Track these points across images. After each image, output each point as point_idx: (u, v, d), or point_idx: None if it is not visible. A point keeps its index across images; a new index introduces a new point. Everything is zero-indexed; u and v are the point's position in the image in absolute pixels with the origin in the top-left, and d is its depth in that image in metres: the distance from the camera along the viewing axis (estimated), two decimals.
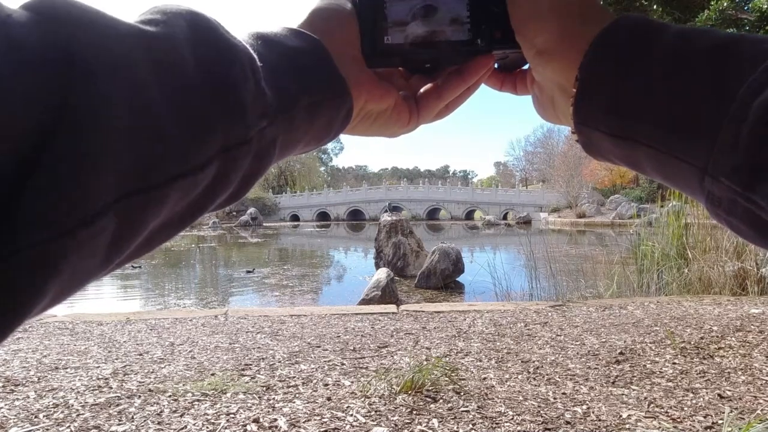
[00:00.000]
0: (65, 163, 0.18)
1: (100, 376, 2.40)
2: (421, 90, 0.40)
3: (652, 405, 1.99)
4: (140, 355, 2.78)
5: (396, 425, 1.81)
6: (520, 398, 2.06)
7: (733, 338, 2.85)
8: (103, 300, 7.06)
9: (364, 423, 1.83)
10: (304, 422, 1.84)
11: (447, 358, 2.59)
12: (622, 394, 2.10)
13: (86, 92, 0.18)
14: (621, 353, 2.64)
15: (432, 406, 1.98)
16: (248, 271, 9.85)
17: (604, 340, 2.93)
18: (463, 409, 1.95)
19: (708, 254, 4.88)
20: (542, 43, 0.33)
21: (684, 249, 5.11)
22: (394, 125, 0.39)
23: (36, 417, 1.92)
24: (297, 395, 2.12)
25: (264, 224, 33.69)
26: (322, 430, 1.79)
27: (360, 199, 47.48)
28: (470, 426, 1.81)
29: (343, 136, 0.39)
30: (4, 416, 1.94)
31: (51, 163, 0.17)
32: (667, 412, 1.93)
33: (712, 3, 6.01)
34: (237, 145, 0.25)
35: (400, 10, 0.35)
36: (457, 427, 1.80)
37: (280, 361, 2.60)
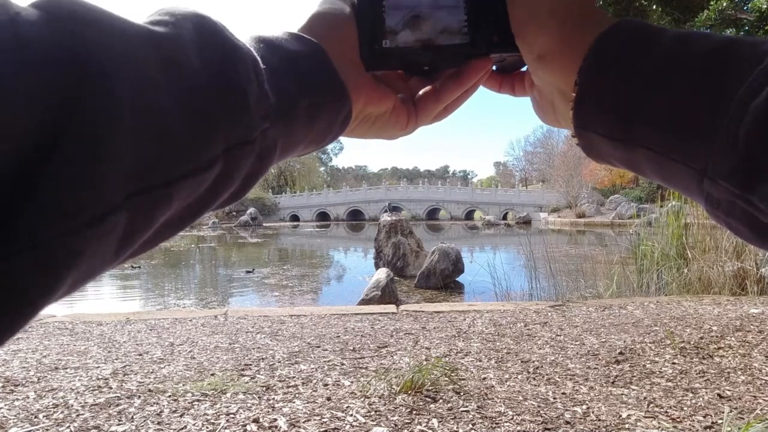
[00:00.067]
0: (76, 163, 0.18)
1: (99, 377, 2.40)
2: (420, 92, 0.40)
3: (651, 405, 1.99)
4: (140, 355, 2.78)
5: (396, 425, 1.81)
6: (520, 398, 2.06)
7: (733, 338, 2.85)
8: (103, 300, 7.06)
9: (364, 423, 1.83)
10: (303, 422, 1.84)
11: (447, 358, 2.59)
12: (622, 394, 2.10)
13: (97, 92, 0.19)
14: (621, 353, 2.65)
15: (432, 406, 1.98)
16: (248, 272, 9.85)
17: (603, 340, 2.93)
18: (462, 409, 1.95)
19: (707, 254, 4.88)
20: (542, 48, 0.33)
21: (684, 249, 5.12)
22: (393, 128, 0.40)
23: (36, 417, 1.92)
24: (297, 395, 2.12)
25: (264, 224, 33.68)
26: (321, 430, 1.79)
27: (360, 200, 47.47)
28: (470, 426, 1.81)
29: (342, 137, 0.39)
30: (4, 416, 1.94)
31: (62, 162, 0.17)
32: (666, 411, 1.93)
33: (712, 3, 6.00)
34: (240, 145, 0.26)
35: (398, 15, 0.36)
36: (457, 427, 1.80)
37: (279, 361, 2.60)
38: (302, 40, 0.32)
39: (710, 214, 0.27)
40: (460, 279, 7.33)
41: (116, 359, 2.69)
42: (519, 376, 2.33)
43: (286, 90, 0.29)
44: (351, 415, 1.90)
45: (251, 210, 33.95)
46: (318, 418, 1.88)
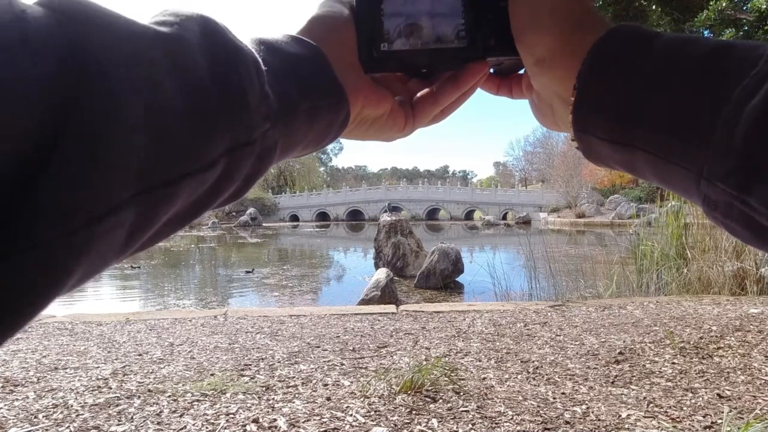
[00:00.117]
0: (75, 163, 0.18)
1: (99, 377, 2.40)
2: (417, 95, 0.40)
3: (651, 405, 1.99)
4: (140, 355, 2.78)
5: (395, 425, 1.81)
6: (520, 398, 2.06)
7: (733, 338, 2.85)
8: (103, 300, 7.06)
9: (364, 423, 1.83)
10: (303, 422, 1.84)
11: (446, 358, 2.59)
12: (622, 394, 2.10)
13: (95, 92, 0.19)
14: (620, 353, 2.65)
15: (431, 406, 1.98)
16: (248, 272, 9.84)
17: (603, 340, 2.93)
18: (462, 409, 1.95)
19: (707, 254, 4.89)
20: (541, 52, 0.33)
21: (683, 249, 5.12)
22: (390, 130, 0.40)
23: (35, 417, 1.92)
24: (296, 395, 2.12)
25: (263, 224, 33.68)
26: (321, 430, 1.79)
27: (359, 200, 47.46)
28: (470, 426, 1.81)
29: (341, 138, 0.39)
30: (4, 416, 1.94)
31: (61, 162, 0.17)
32: (666, 411, 1.93)
33: (711, 3, 6.00)
34: (241, 145, 0.26)
35: (396, 18, 0.36)
36: (457, 427, 1.80)
37: (279, 362, 2.60)
38: (302, 43, 0.33)
39: (708, 216, 0.27)
40: (459, 279, 7.33)
41: (116, 359, 2.69)
42: (519, 376, 2.33)
43: (286, 92, 0.30)
44: (351, 415, 1.90)
45: (251, 210, 33.96)
46: (318, 418, 1.88)
